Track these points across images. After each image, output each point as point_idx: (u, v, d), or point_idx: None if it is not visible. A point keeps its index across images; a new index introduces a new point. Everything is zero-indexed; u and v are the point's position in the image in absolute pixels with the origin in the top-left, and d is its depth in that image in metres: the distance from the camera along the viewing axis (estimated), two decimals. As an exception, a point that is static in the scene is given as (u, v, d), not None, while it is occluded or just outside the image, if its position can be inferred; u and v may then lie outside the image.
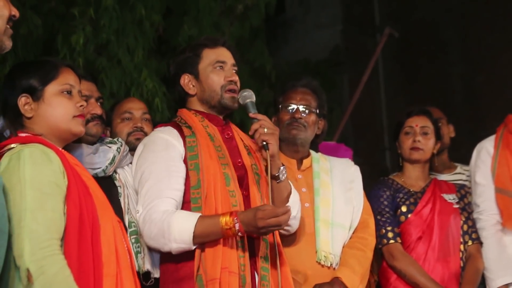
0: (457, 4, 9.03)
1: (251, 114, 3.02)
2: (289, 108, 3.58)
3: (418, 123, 3.92)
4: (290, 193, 3.11)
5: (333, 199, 3.54)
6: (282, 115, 3.59)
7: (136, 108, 3.64)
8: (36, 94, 2.60)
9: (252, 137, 3.05)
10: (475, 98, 8.80)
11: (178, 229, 2.81)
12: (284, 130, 3.55)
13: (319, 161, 3.65)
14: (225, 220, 2.78)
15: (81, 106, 2.66)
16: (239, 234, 2.79)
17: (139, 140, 3.39)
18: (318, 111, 3.60)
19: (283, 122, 3.57)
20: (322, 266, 3.40)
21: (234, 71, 3.13)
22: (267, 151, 2.95)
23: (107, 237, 2.51)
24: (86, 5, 5.94)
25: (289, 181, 3.16)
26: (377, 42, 7.96)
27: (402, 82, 9.76)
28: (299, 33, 10.16)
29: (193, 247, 2.83)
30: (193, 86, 3.11)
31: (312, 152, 3.68)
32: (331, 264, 3.42)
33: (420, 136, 3.90)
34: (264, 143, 2.94)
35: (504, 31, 8.34)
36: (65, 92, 2.63)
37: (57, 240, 2.36)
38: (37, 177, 2.40)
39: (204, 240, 2.83)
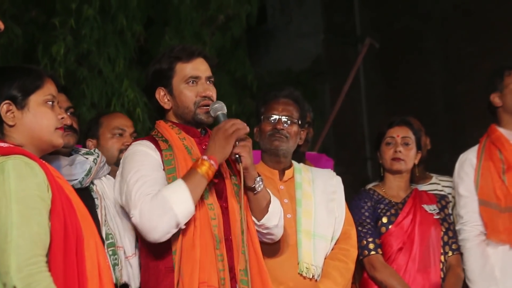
0: (438, 14, 9.10)
1: None
2: (271, 118, 3.56)
3: (399, 133, 3.92)
4: (269, 202, 3.09)
5: (315, 210, 3.52)
6: (264, 125, 3.58)
7: (128, 126, 3.70)
8: (20, 102, 2.53)
9: None
10: (455, 107, 8.85)
11: (174, 195, 2.78)
12: (266, 141, 3.55)
13: (301, 171, 3.64)
14: (203, 169, 2.83)
15: (62, 118, 2.63)
16: (213, 164, 2.85)
17: None
18: (300, 121, 3.59)
19: (265, 133, 3.56)
20: (304, 277, 3.38)
21: (209, 83, 3.09)
22: (240, 164, 2.93)
23: (90, 252, 2.47)
24: (67, 15, 5.92)
25: (270, 190, 3.14)
26: (358, 52, 8.00)
27: (383, 91, 9.80)
28: (281, 43, 10.16)
29: (193, 208, 2.81)
30: (168, 100, 3.07)
31: (294, 162, 3.67)
32: (313, 276, 3.39)
33: (402, 146, 3.90)
34: (237, 156, 2.93)
35: (484, 41, 8.41)
36: (49, 103, 2.58)
37: (43, 257, 2.32)
38: (23, 191, 2.35)
39: (197, 196, 2.83)
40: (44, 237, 2.34)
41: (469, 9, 8.67)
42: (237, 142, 2.93)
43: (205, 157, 2.86)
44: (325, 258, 3.49)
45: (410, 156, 3.90)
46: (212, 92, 3.07)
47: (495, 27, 8.29)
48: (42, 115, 2.56)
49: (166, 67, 3.06)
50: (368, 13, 10.05)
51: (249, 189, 3.02)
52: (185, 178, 2.84)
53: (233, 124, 2.91)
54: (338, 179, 3.71)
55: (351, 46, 9.89)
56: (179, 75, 3.05)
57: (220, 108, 3.02)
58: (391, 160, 3.91)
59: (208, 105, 3.04)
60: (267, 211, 3.08)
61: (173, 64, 3.06)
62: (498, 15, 8.25)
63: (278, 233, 3.20)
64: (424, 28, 9.24)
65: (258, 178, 3.03)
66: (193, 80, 3.05)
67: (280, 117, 3.55)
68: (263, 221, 3.07)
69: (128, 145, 3.32)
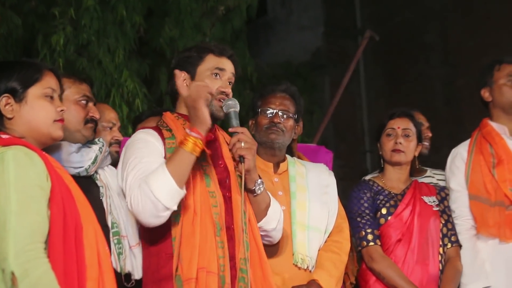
0: (438, 8, 9.09)
1: (230, 129, 3.01)
2: (268, 112, 3.59)
3: (400, 125, 3.92)
4: (268, 205, 3.12)
5: (309, 202, 3.55)
6: (260, 119, 3.60)
7: (117, 120, 3.67)
8: (18, 95, 2.59)
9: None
10: (455, 101, 8.85)
11: (154, 179, 2.77)
12: (262, 134, 3.57)
13: (295, 165, 3.66)
14: (189, 145, 2.80)
15: (61, 110, 2.67)
16: (198, 137, 2.81)
17: (118, 152, 3.44)
18: (296, 116, 3.62)
19: (261, 126, 3.58)
20: (299, 268, 3.41)
21: (229, 83, 3.11)
22: (243, 164, 2.95)
23: (89, 240, 2.51)
24: (67, 5, 5.92)
25: (268, 192, 3.17)
26: (358, 45, 7.98)
27: (383, 84, 9.80)
28: (281, 35, 10.17)
29: (182, 190, 2.79)
30: (187, 85, 3.07)
31: (288, 156, 3.69)
32: (307, 267, 3.42)
33: (402, 138, 3.90)
34: (241, 157, 2.95)
35: (485, 35, 8.40)
36: (47, 96, 2.63)
37: (42, 244, 2.36)
38: (22, 180, 2.39)
39: (183, 175, 2.80)
40: (43, 225, 2.38)
41: (469, 3, 8.67)
42: (242, 144, 2.95)
43: (187, 130, 2.85)
44: (318, 250, 3.52)
45: (410, 148, 3.91)
46: (230, 92, 3.09)
47: (495, 22, 8.29)
48: (40, 107, 2.61)
49: (195, 54, 3.10)
50: (368, 6, 10.05)
51: (249, 191, 3.05)
52: (169, 158, 2.85)
53: (196, 85, 2.93)
54: (331, 173, 3.74)
55: (351, 39, 9.89)
56: (206, 64, 3.08)
57: (234, 106, 3.03)
58: (391, 152, 3.91)
59: (223, 100, 3.06)
60: (266, 214, 3.11)
61: (204, 53, 3.10)
62: (498, 9, 8.24)
63: (275, 236, 3.23)
64: (424, 22, 9.23)
65: (259, 181, 3.06)
66: (218, 73, 3.08)
67: (277, 111, 3.58)
68: (261, 223, 3.10)
69: (117, 140, 3.44)
